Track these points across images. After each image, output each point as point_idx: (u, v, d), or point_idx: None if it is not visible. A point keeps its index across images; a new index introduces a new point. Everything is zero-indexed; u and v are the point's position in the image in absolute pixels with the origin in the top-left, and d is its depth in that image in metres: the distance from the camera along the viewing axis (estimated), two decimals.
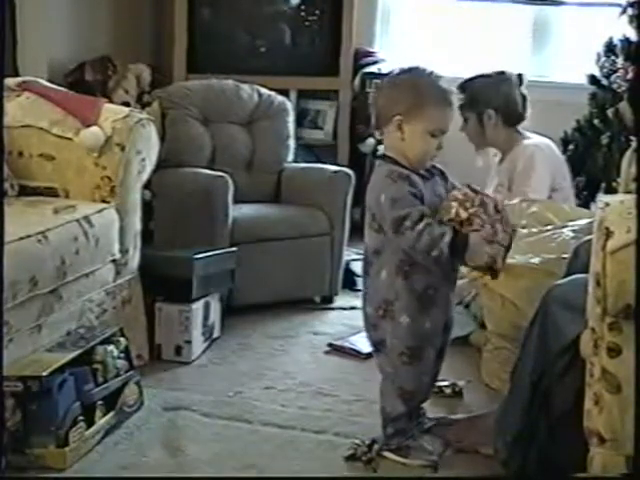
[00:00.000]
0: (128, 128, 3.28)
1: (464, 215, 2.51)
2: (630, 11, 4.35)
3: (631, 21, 4.35)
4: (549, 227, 3.33)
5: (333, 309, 4.07)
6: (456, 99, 2.71)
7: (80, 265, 3.00)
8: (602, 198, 2.29)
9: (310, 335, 3.76)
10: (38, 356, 2.74)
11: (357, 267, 4.28)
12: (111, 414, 2.80)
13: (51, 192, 3.33)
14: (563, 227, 3.30)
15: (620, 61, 4.43)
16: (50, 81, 3.75)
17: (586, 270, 2.29)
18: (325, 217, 4.04)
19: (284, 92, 4.61)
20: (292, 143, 4.37)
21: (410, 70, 2.66)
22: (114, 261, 3.22)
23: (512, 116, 3.88)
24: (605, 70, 4.52)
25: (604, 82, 4.51)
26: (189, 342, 3.40)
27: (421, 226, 2.50)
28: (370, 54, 5.28)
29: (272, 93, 4.38)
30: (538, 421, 2.50)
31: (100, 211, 3.17)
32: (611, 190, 3.88)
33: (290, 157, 4.35)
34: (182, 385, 3.21)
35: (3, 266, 2.23)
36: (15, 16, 4.22)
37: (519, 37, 5.35)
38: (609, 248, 2.14)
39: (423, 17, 5.56)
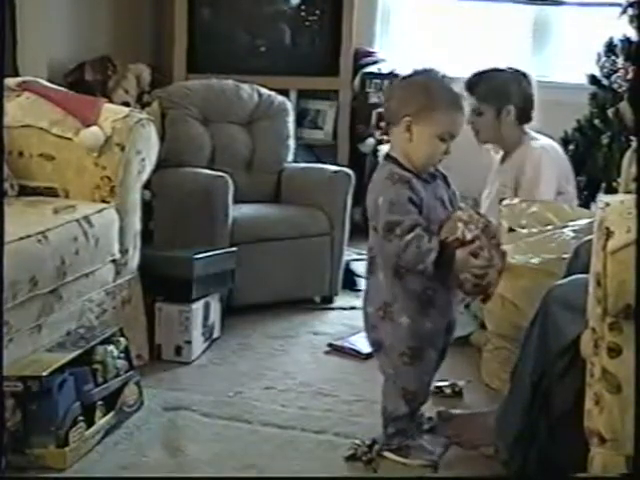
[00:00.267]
0: (128, 128, 3.28)
1: (469, 237, 2.52)
2: (630, 11, 4.35)
3: (631, 21, 4.34)
4: (549, 227, 3.33)
5: (333, 309, 4.07)
6: (467, 102, 2.69)
7: (80, 265, 3.00)
8: (602, 198, 2.29)
9: (310, 335, 3.75)
10: (38, 356, 2.74)
11: (357, 267, 4.29)
12: (111, 414, 2.80)
13: (51, 192, 3.33)
14: (563, 227, 3.30)
15: (620, 61, 4.43)
16: (50, 81, 3.75)
17: (586, 270, 2.29)
18: (325, 217, 4.03)
19: (284, 92, 4.61)
20: (292, 143, 4.37)
21: (423, 72, 2.65)
22: (114, 261, 3.22)
23: (525, 115, 3.84)
24: (605, 70, 4.51)
25: (604, 82, 4.51)
26: (189, 342, 3.40)
27: (409, 237, 2.51)
28: (370, 54, 5.29)
29: (272, 93, 4.38)
30: (538, 421, 2.50)
31: (100, 211, 3.17)
32: (611, 190, 3.88)
33: (290, 157, 4.35)
34: (182, 385, 3.21)
35: (3, 266, 2.23)
36: (15, 16, 4.22)
37: (519, 37, 5.35)
38: (609, 248, 2.14)
39: (423, 17, 5.56)
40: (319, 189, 4.10)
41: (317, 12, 5.03)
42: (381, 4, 5.48)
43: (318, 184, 4.13)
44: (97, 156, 3.27)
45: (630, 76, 4.34)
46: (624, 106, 4.33)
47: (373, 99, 5.14)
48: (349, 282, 4.22)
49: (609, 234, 2.15)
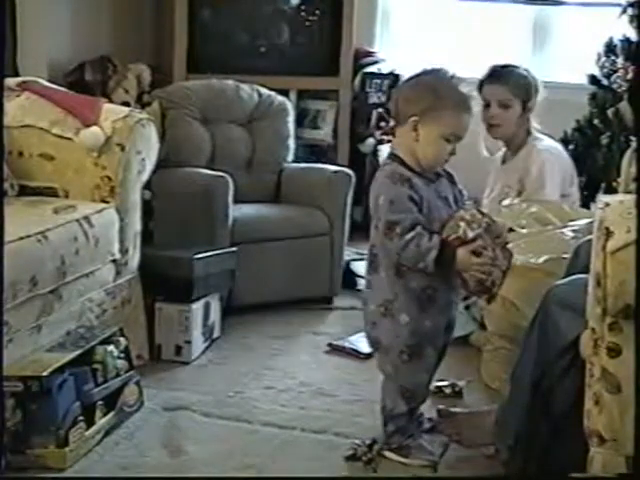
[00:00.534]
0: (128, 128, 3.28)
1: (470, 235, 2.52)
2: (630, 11, 4.35)
3: (631, 21, 4.34)
4: (549, 227, 3.33)
5: (333, 309, 4.07)
6: (475, 103, 2.69)
7: (80, 265, 3.00)
8: (602, 198, 2.29)
9: (310, 335, 3.76)
10: (38, 356, 2.74)
11: (357, 267, 4.29)
12: (111, 414, 2.80)
13: (51, 192, 3.33)
14: (563, 227, 3.30)
15: (620, 61, 4.43)
16: (50, 81, 3.75)
17: (586, 270, 2.29)
18: (325, 217, 4.03)
19: (284, 92, 4.61)
20: (292, 143, 4.37)
21: (432, 72, 2.65)
22: (114, 261, 3.22)
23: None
24: (605, 70, 4.51)
25: (604, 82, 4.51)
26: (189, 342, 3.40)
27: (409, 236, 2.51)
28: (370, 54, 5.28)
29: (272, 93, 4.38)
30: (539, 421, 2.50)
31: (100, 211, 3.17)
32: (611, 190, 3.88)
33: (290, 157, 4.35)
34: (182, 385, 3.21)
35: (3, 266, 2.23)
36: (15, 16, 4.22)
37: (519, 37, 5.35)
38: (609, 248, 2.14)
39: (423, 17, 5.56)
40: (319, 189, 4.10)
41: (317, 12, 5.02)
42: (381, 4, 5.48)
43: (318, 184, 4.13)
44: (97, 156, 3.27)
45: (630, 76, 4.34)
46: (624, 106, 4.33)
47: (373, 99, 5.14)
48: (349, 282, 4.21)
49: (609, 234, 2.15)
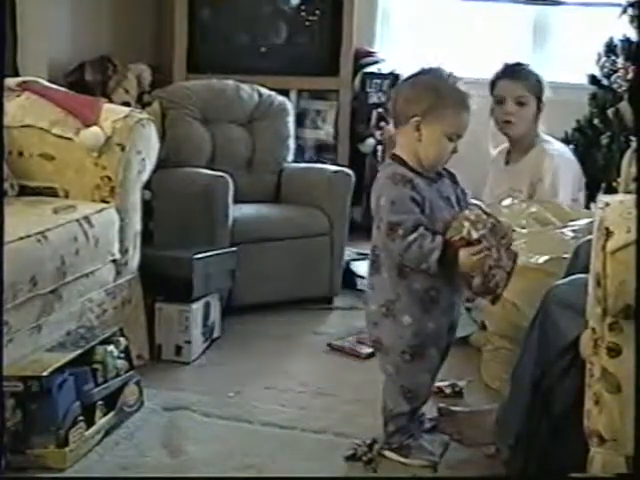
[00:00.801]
0: (128, 128, 3.28)
1: (475, 236, 2.51)
2: (630, 11, 4.35)
3: (631, 21, 4.34)
4: (549, 227, 3.33)
5: (333, 309, 4.07)
6: (474, 101, 2.69)
7: (80, 265, 3.00)
8: (602, 198, 2.29)
9: (310, 335, 3.76)
10: (38, 356, 2.74)
11: (357, 267, 4.29)
12: (111, 414, 2.80)
13: (51, 192, 3.33)
14: (563, 227, 3.30)
15: (620, 61, 4.43)
16: (50, 81, 3.75)
17: (586, 270, 2.29)
18: (325, 217, 4.04)
19: (284, 92, 4.61)
20: (292, 143, 4.37)
21: (430, 71, 2.65)
22: (114, 261, 3.22)
23: None
24: (605, 70, 4.51)
25: (604, 82, 4.51)
26: (189, 342, 3.40)
27: (412, 237, 2.51)
28: (370, 54, 5.28)
29: (272, 93, 4.38)
30: (539, 421, 2.50)
31: (100, 211, 3.17)
32: (611, 190, 3.88)
33: (290, 157, 4.35)
34: (182, 385, 3.21)
35: (3, 266, 2.23)
36: (15, 16, 4.22)
37: (519, 37, 5.35)
38: (609, 248, 2.14)
39: (423, 17, 5.56)
40: (319, 189, 4.10)
41: (317, 12, 5.02)
42: (381, 4, 5.48)
43: (318, 184, 4.13)
44: (97, 156, 3.27)
45: (630, 76, 4.34)
46: (624, 106, 4.33)
47: (373, 99, 5.14)
48: (349, 282, 4.21)
49: (609, 234, 2.15)
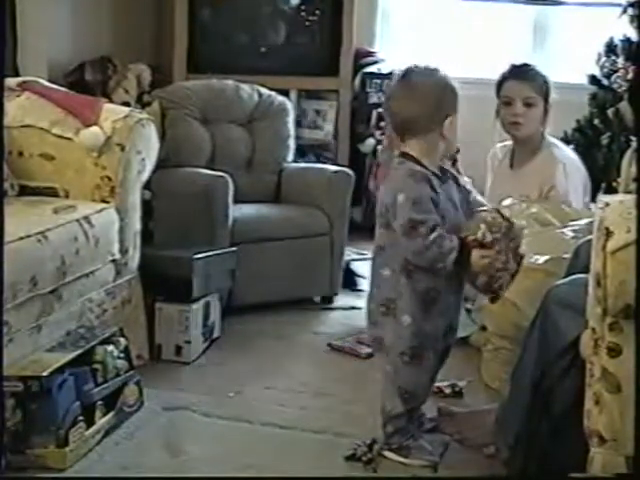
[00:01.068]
0: (128, 128, 3.28)
1: (489, 239, 2.54)
2: (630, 11, 4.36)
3: (631, 21, 4.35)
4: (549, 227, 3.33)
5: (333, 309, 4.07)
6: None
7: (80, 265, 3.00)
8: (602, 198, 2.29)
9: (310, 335, 3.76)
10: (38, 356, 2.74)
11: (357, 267, 4.29)
12: (111, 414, 2.80)
13: (51, 192, 3.33)
14: (563, 227, 3.30)
15: (620, 61, 4.44)
16: (50, 81, 3.75)
17: (586, 270, 2.29)
18: (325, 217, 4.03)
19: (284, 92, 4.61)
20: (292, 143, 4.37)
21: (431, 70, 2.64)
22: (114, 261, 3.22)
23: None
24: (605, 70, 4.52)
25: (604, 82, 4.52)
26: (189, 342, 3.40)
27: (432, 237, 2.51)
28: (370, 54, 5.29)
29: (272, 93, 4.38)
30: (539, 421, 2.50)
31: (100, 211, 3.17)
32: (611, 190, 3.88)
33: (290, 157, 4.35)
34: (182, 385, 3.21)
35: (3, 266, 2.23)
36: (15, 16, 4.22)
37: (519, 37, 5.35)
38: (609, 248, 2.14)
39: (423, 17, 5.56)
40: (319, 189, 4.10)
41: (317, 12, 5.03)
42: (381, 4, 5.49)
43: (318, 184, 4.13)
44: (97, 156, 3.27)
45: (630, 76, 4.35)
46: (624, 106, 4.34)
47: (373, 99, 5.14)
48: (349, 282, 4.22)
49: (609, 234, 2.15)
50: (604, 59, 4.52)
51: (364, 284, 3.91)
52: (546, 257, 3.10)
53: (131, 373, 2.93)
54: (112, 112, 3.36)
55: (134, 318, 3.32)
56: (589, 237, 2.54)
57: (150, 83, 4.64)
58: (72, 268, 2.95)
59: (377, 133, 5.09)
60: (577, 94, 4.59)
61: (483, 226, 2.55)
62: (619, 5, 4.43)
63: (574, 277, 2.57)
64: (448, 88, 2.62)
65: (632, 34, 4.37)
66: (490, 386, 3.21)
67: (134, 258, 3.33)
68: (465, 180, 3.05)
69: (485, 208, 2.68)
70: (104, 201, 3.25)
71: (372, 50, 5.34)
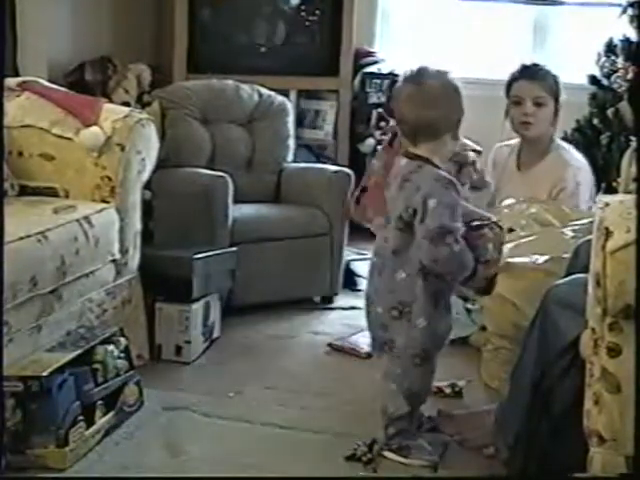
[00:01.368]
0: (128, 128, 3.28)
1: (495, 256, 2.66)
2: (630, 11, 4.36)
3: (631, 21, 4.35)
4: (549, 228, 3.33)
5: (333, 309, 4.07)
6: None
7: (80, 265, 3.00)
8: (602, 198, 2.29)
9: (310, 335, 3.76)
10: (38, 356, 2.74)
11: (357, 267, 4.29)
12: (111, 414, 2.80)
13: (51, 192, 3.33)
14: (563, 227, 3.29)
15: (620, 61, 4.44)
16: (50, 81, 3.75)
17: (586, 270, 2.29)
18: (325, 217, 4.04)
19: (284, 92, 4.61)
20: (292, 143, 4.37)
21: (442, 73, 2.64)
22: (114, 261, 3.22)
23: None
24: (605, 70, 4.52)
25: (604, 82, 4.52)
26: (189, 342, 3.40)
27: (457, 248, 2.52)
28: (370, 54, 5.29)
29: (272, 93, 4.38)
30: (539, 421, 2.50)
31: (100, 211, 3.17)
32: (611, 190, 3.88)
33: (290, 157, 4.35)
34: (182, 385, 3.21)
35: (3, 266, 2.23)
36: (15, 16, 4.22)
37: (519, 37, 5.35)
38: (609, 248, 2.14)
39: (423, 17, 5.56)
40: (319, 189, 4.10)
41: (317, 12, 5.03)
42: (381, 4, 5.49)
43: (318, 184, 4.13)
44: (97, 156, 3.27)
45: (630, 76, 4.35)
46: (624, 106, 4.34)
47: (373, 99, 5.14)
48: (349, 282, 4.22)
49: (609, 234, 2.15)
50: (604, 59, 4.52)
51: (364, 284, 3.90)
52: (546, 257, 3.10)
53: (131, 373, 2.93)
54: (112, 112, 3.36)
55: (134, 318, 3.32)
56: (589, 237, 2.54)
57: (150, 83, 4.64)
58: (72, 268, 2.95)
59: (377, 133, 5.09)
60: (577, 94, 4.58)
61: (490, 246, 2.63)
62: (619, 5, 4.43)
63: (574, 277, 2.57)
64: (458, 90, 2.62)
65: (632, 34, 4.37)
66: (490, 386, 3.21)
67: (134, 258, 3.33)
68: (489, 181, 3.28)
69: (485, 222, 2.68)
70: (104, 201, 3.25)
71: (372, 50, 5.33)
